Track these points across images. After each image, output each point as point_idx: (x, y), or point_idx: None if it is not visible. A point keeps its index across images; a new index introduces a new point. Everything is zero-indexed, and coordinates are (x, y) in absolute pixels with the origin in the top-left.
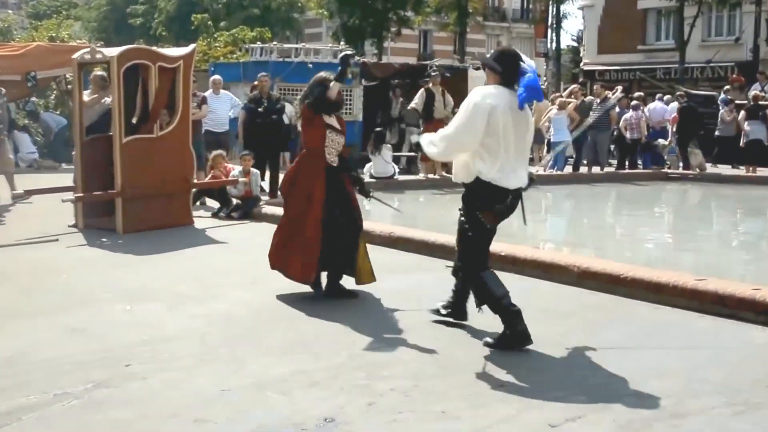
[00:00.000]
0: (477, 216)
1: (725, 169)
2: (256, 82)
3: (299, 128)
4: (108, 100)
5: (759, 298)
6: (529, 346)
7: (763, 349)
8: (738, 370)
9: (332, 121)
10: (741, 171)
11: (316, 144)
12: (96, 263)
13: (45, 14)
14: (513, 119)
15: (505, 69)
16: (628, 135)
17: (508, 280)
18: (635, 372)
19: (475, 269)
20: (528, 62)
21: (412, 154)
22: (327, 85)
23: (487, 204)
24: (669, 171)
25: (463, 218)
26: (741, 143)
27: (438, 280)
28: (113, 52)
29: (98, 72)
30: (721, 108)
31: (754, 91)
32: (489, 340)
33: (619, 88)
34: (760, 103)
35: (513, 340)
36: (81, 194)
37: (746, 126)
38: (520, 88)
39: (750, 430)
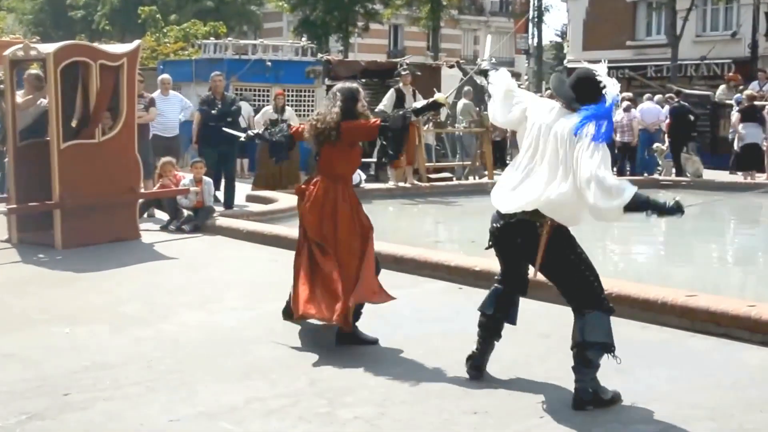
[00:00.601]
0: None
1: (721, 175)
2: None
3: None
4: (44, 101)
5: (754, 316)
6: (502, 371)
7: (758, 370)
8: (731, 394)
9: None
10: (738, 177)
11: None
12: (31, 282)
13: None
14: (542, 138)
15: (581, 97)
16: (618, 138)
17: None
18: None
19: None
20: (610, 86)
21: (383, 161)
22: (358, 98)
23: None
24: (660, 178)
25: None
26: (736, 147)
27: (408, 297)
28: (49, 48)
29: (33, 71)
30: (735, 107)
31: (749, 90)
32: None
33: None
34: (756, 103)
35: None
36: (14, 206)
37: (741, 129)
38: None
39: None
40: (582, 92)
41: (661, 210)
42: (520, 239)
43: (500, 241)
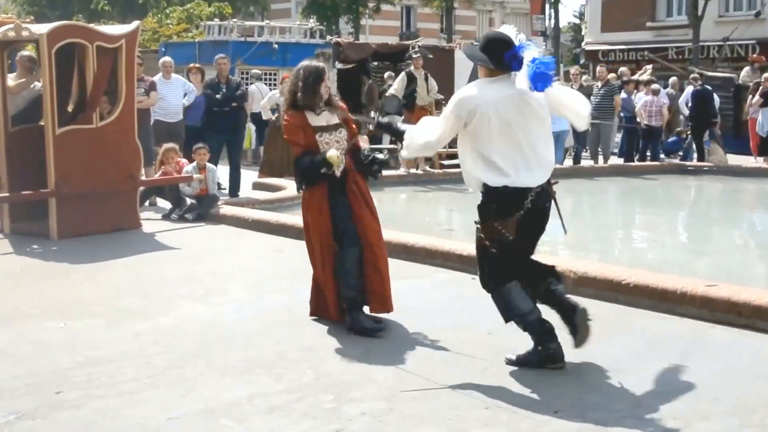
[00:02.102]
0: (497, 228)
1: (747, 160)
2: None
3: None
4: (38, 85)
5: None
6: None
7: None
8: (753, 388)
9: (320, 120)
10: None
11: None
12: (24, 274)
13: None
14: (514, 112)
15: (492, 58)
16: (646, 122)
17: None
18: (637, 391)
19: (495, 284)
20: (525, 43)
21: (393, 146)
22: (322, 78)
23: (504, 212)
24: (687, 163)
25: (481, 234)
26: (760, 132)
27: (418, 288)
28: (43, 29)
29: (26, 52)
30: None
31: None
32: (511, 357)
33: (649, 68)
34: None
35: (543, 358)
36: (7, 194)
37: (760, 115)
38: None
39: None
40: (492, 52)
41: None
42: (548, 204)
43: (533, 214)
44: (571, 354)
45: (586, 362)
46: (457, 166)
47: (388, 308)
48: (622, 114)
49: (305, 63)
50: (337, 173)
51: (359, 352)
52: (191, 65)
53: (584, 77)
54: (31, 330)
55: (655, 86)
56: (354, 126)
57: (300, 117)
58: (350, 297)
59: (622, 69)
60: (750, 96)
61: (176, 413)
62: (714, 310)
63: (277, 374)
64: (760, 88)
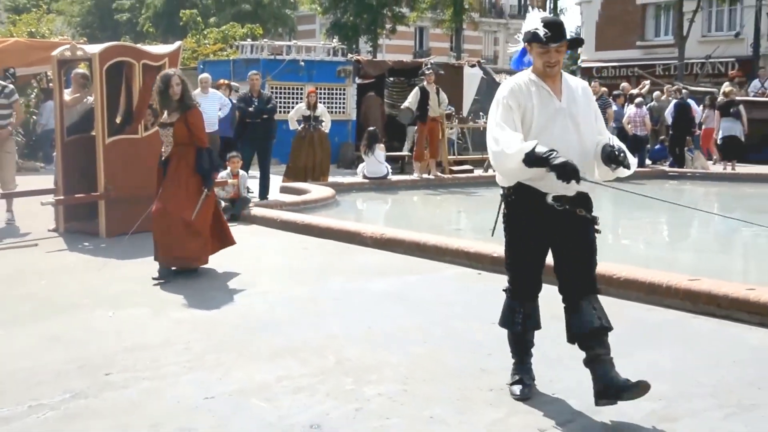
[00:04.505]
0: None
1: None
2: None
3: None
4: (90, 99)
5: (753, 299)
6: None
7: (757, 350)
8: (731, 372)
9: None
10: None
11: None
12: (77, 268)
13: (24, 8)
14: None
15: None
16: (633, 132)
17: (499, 282)
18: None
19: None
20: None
21: (407, 153)
22: (170, 84)
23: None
24: (668, 169)
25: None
26: (717, 140)
27: (429, 282)
28: (95, 49)
29: (80, 70)
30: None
31: (726, 87)
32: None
33: (647, 83)
34: (735, 99)
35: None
36: (62, 197)
37: (721, 123)
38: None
39: (741, 431)
40: None
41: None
42: (584, 211)
43: (567, 215)
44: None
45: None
46: (464, 171)
47: (175, 264)
48: (613, 125)
49: (161, 73)
50: None
51: (376, 340)
52: (220, 81)
53: None
54: (83, 318)
55: (638, 99)
56: (193, 127)
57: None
58: None
59: (624, 84)
60: (702, 108)
61: (212, 393)
62: (696, 302)
63: (303, 359)
64: (717, 101)
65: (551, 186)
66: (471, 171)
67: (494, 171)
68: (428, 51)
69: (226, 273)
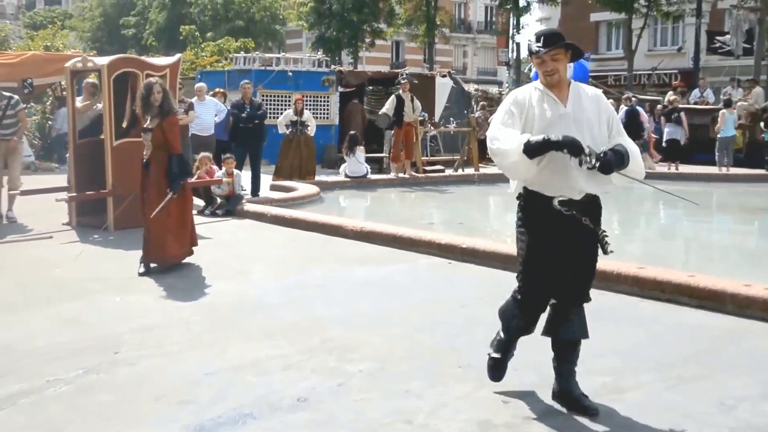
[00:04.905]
0: None
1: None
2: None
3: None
4: (99, 106)
5: (693, 284)
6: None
7: (696, 329)
8: (672, 349)
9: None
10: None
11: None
12: (88, 258)
13: (41, 24)
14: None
15: None
16: None
17: (467, 270)
18: (583, 353)
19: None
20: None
21: (385, 155)
22: (151, 92)
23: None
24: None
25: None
26: (663, 143)
27: (405, 270)
28: (104, 60)
29: (90, 79)
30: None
31: (670, 96)
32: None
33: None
34: (677, 106)
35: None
36: (74, 194)
37: (665, 127)
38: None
39: (681, 401)
40: None
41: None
42: (589, 221)
43: (573, 221)
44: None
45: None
46: (437, 171)
47: (158, 261)
48: None
49: (146, 81)
50: None
51: (357, 323)
52: (216, 89)
53: None
54: (94, 302)
55: None
56: (167, 133)
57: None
58: None
59: None
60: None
61: (211, 369)
62: (643, 288)
63: (291, 339)
64: (658, 107)
65: (556, 189)
66: (442, 171)
67: (507, 177)
68: (404, 62)
69: (222, 263)
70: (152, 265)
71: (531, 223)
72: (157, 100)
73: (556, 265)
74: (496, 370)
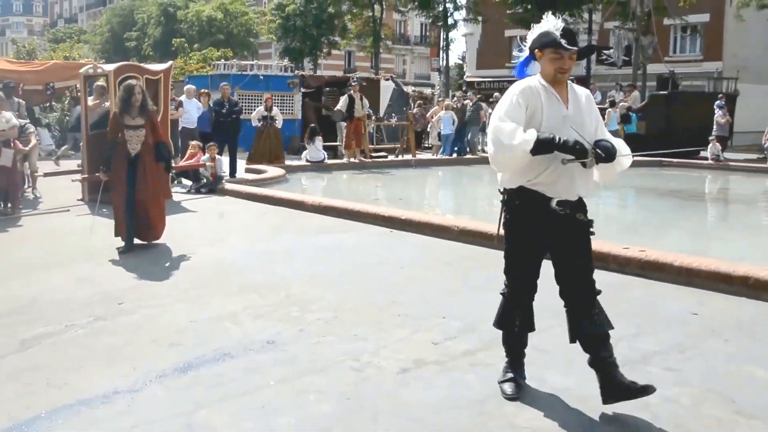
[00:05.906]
0: None
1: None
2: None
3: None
4: (107, 104)
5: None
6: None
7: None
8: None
9: (130, 120)
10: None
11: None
12: (97, 227)
13: (62, 39)
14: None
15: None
16: None
17: (405, 238)
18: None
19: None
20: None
21: (339, 143)
22: (132, 93)
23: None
24: None
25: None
26: None
27: (355, 238)
28: (111, 67)
29: (99, 83)
30: (716, 112)
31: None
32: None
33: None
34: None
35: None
36: (86, 175)
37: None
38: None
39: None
40: None
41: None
42: (583, 216)
43: (567, 220)
44: (451, 277)
45: (465, 284)
46: (381, 157)
47: (149, 239)
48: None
49: (125, 83)
50: None
51: (315, 281)
52: (202, 90)
53: (465, 100)
54: (102, 263)
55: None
56: (158, 127)
57: (121, 119)
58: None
59: (496, 94)
60: None
61: (195, 318)
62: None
63: (262, 294)
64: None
65: (557, 191)
66: (386, 156)
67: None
68: (355, 68)
69: (204, 232)
70: (137, 241)
71: (523, 219)
72: (138, 101)
73: (556, 266)
74: (512, 386)
